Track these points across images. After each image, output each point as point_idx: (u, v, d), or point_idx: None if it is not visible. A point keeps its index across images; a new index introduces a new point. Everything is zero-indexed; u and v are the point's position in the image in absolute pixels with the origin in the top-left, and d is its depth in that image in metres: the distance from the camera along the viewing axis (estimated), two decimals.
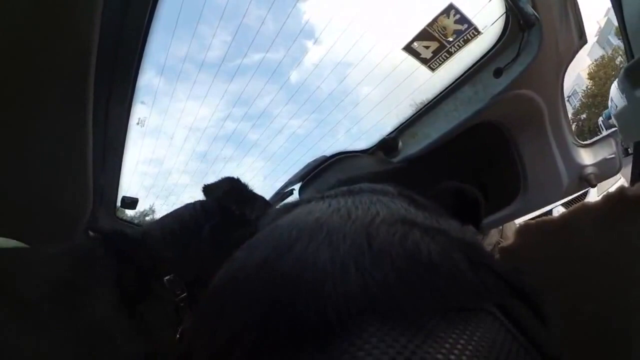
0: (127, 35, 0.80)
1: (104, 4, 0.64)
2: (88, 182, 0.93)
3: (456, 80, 0.99)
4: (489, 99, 0.91)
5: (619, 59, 19.86)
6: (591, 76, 23.38)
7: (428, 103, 1.04)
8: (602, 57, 23.49)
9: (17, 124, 0.73)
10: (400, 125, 1.10)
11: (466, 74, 0.97)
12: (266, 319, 0.19)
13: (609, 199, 0.40)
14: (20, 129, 0.74)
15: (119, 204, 1.26)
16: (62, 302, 0.73)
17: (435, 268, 0.20)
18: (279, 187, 1.39)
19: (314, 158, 1.26)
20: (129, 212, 1.45)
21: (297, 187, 1.36)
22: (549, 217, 0.45)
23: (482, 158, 1.06)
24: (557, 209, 4.33)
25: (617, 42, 21.40)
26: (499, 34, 0.91)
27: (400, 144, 1.07)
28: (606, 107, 21.19)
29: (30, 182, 0.84)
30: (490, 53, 0.94)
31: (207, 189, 1.02)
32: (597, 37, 27.16)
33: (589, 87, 23.79)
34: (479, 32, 0.91)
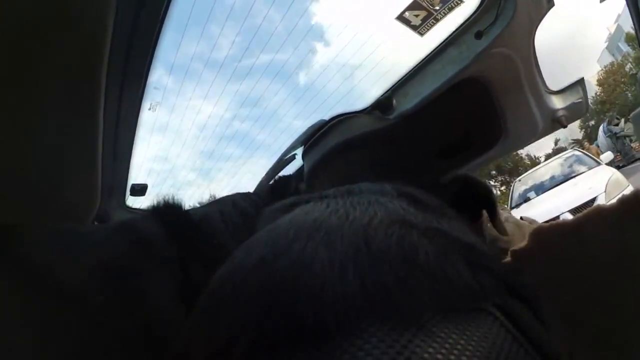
0: (140, 27, 0.82)
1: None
2: (97, 175, 0.94)
3: (442, 43, 1.10)
4: (472, 58, 1.02)
5: (629, 65, 19.68)
6: (600, 83, 23.20)
7: (417, 64, 1.15)
8: (612, 63, 23.36)
9: (26, 119, 0.73)
10: (393, 85, 1.20)
11: (451, 37, 1.08)
12: (264, 319, 0.19)
13: (624, 202, 0.40)
14: (28, 124, 0.74)
15: (128, 193, 1.25)
16: (115, 293, 0.61)
17: (433, 269, 0.20)
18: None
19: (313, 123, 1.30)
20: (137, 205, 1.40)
21: (299, 152, 1.39)
22: (562, 220, 0.44)
23: (468, 109, 1.18)
24: (564, 216, 4.33)
25: (627, 48, 21.26)
26: (479, 1, 1.02)
27: (394, 102, 1.17)
28: (615, 113, 20.97)
29: (38, 177, 0.83)
30: (472, 18, 1.04)
31: (281, 182, 0.97)
32: (606, 44, 26.98)
33: (598, 93, 23.56)
34: (461, 1, 1.02)
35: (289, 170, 1.43)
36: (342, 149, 1.22)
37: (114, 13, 0.68)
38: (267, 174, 1.41)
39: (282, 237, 0.24)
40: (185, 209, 0.82)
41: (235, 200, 0.89)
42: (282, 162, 1.39)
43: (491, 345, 0.18)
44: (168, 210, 0.77)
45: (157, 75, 1.53)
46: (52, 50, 0.66)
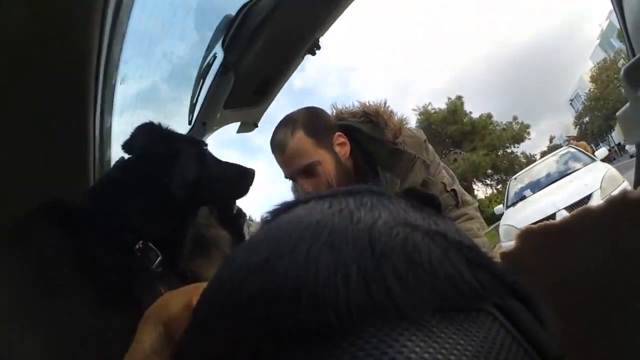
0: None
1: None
2: (89, 175, 0.97)
3: None
4: None
5: (621, 61, 19.82)
6: (594, 79, 23.38)
7: None
8: (605, 60, 23.52)
9: (23, 124, 0.76)
10: None
11: None
12: (266, 321, 0.19)
13: (611, 202, 0.40)
14: (23, 129, 0.77)
15: None
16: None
17: (435, 270, 0.20)
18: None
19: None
20: None
21: (218, 50, 1.42)
22: (551, 221, 0.44)
23: None
24: (561, 213, 4.32)
25: (619, 44, 21.44)
26: None
27: None
28: (609, 110, 21.22)
29: (31, 182, 0.86)
30: None
31: (128, 146, 0.94)
32: (599, 40, 27.19)
33: (591, 90, 23.76)
34: None
35: None
36: (260, 29, 1.27)
37: (99, 27, 0.70)
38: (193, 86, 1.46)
39: (284, 237, 0.24)
40: (76, 205, 0.82)
41: (103, 184, 0.91)
42: (205, 67, 1.40)
43: (491, 345, 0.19)
44: (61, 213, 0.77)
45: (152, 82, 1.53)
46: (42, 60, 0.68)
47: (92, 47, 0.72)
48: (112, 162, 1.18)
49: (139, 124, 0.96)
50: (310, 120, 1.13)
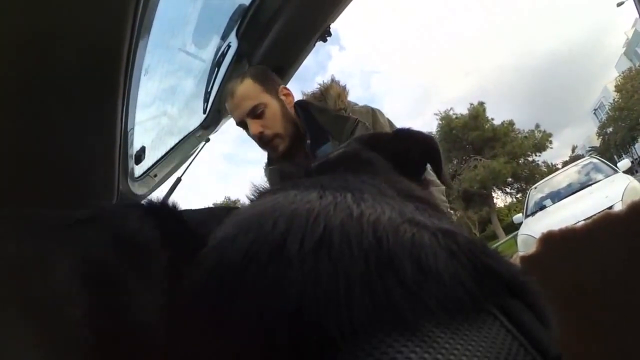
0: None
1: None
2: (115, 160, 0.95)
3: None
4: None
5: None
6: (618, 89, 22.60)
7: None
8: (630, 69, 22.81)
9: (51, 115, 0.75)
10: None
11: None
12: (271, 335, 0.19)
13: (633, 207, 0.40)
14: (54, 120, 0.77)
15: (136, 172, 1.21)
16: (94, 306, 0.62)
17: (441, 275, 0.20)
18: None
19: None
20: None
21: (232, 39, 1.42)
22: (572, 226, 0.45)
23: None
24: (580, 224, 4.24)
25: None
26: None
27: None
28: (633, 120, 20.53)
29: (64, 167, 0.86)
30: None
31: None
32: (624, 49, 26.46)
33: (615, 99, 23.04)
34: None
35: None
36: (273, 17, 1.31)
37: (131, 20, 0.69)
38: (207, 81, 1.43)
39: (267, 226, 0.23)
40: (181, 212, 0.82)
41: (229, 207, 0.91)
42: (220, 56, 1.40)
43: (490, 345, 0.19)
44: (164, 212, 0.76)
45: (174, 81, 1.60)
46: (75, 51, 0.68)
47: (125, 35, 0.72)
48: (135, 153, 1.16)
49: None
50: (258, 71, 1.22)
